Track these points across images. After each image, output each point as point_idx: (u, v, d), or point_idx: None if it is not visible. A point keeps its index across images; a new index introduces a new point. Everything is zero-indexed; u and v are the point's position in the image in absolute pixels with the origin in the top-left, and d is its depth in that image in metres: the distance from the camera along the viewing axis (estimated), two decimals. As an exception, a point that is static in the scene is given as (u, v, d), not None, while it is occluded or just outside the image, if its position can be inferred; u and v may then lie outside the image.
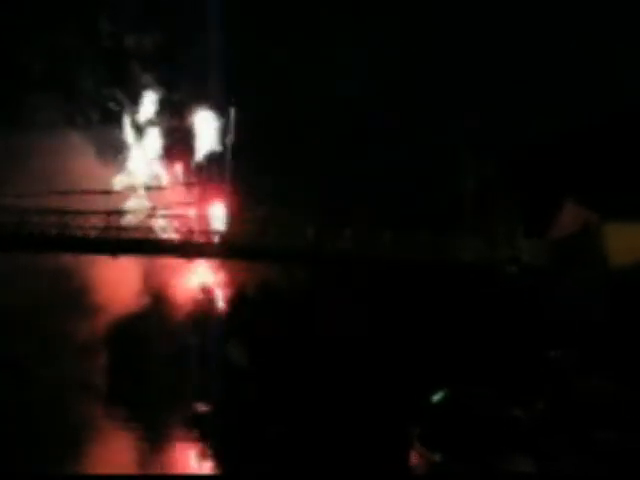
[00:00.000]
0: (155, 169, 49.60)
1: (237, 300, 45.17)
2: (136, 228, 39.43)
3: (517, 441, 18.79)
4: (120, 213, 40.22)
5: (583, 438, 19.42)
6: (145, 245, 39.10)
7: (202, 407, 35.74)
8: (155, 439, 30.21)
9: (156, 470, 25.71)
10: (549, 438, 19.80)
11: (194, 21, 51.68)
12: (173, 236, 39.76)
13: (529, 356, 29.25)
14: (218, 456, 27.47)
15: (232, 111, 49.70)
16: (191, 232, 40.24)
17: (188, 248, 39.50)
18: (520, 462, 17.66)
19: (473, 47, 45.11)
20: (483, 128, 41.83)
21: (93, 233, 38.35)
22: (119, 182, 46.60)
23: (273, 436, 27.78)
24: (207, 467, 26.16)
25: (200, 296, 46.07)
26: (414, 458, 19.67)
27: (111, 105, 50.33)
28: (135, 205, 43.76)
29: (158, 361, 43.31)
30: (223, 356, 40.54)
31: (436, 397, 21.18)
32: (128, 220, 39.88)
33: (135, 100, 51.19)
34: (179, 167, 49.64)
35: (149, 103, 51.41)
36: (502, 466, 17.51)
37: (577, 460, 18.44)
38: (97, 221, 38.55)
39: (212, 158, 49.07)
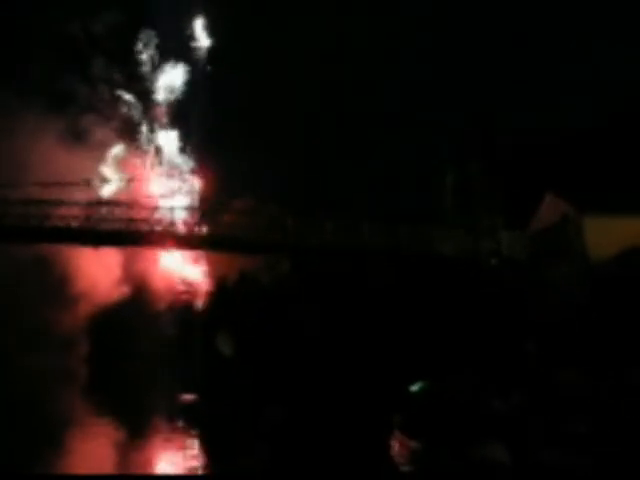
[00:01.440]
0: (135, 159, 50.36)
1: (218, 291, 46.00)
2: (117, 219, 40.06)
3: (492, 430, 19.93)
4: (101, 204, 40.78)
5: (557, 429, 20.61)
6: (126, 236, 39.79)
7: (188, 396, 36.33)
8: (140, 430, 30.83)
9: (138, 461, 26.08)
10: (524, 429, 20.96)
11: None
12: (154, 227, 40.26)
13: (508, 348, 30.40)
14: (204, 445, 28.15)
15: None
16: (172, 223, 40.79)
17: (169, 239, 40.15)
18: (494, 450, 18.81)
19: (461, 44, 46.22)
20: (467, 123, 43.00)
21: (74, 224, 38.97)
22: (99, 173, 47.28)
23: (261, 425, 28.64)
24: (191, 455, 26.80)
25: (181, 287, 46.87)
26: (395, 445, 20.85)
27: (66, 92, 50.52)
28: (115, 195, 44.41)
29: (141, 351, 44.16)
30: (209, 346, 41.20)
31: (415, 387, 22.32)
32: (109, 211, 40.44)
33: (94, 86, 51.53)
34: (159, 158, 50.49)
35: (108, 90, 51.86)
36: (476, 454, 18.66)
37: (550, 450, 19.63)
38: (78, 212, 39.17)
39: (193, 149, 49.93)
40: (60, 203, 39.02)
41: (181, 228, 40.19)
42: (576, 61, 45.30)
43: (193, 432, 30.22)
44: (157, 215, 40.27)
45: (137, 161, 50.40)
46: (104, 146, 50.62)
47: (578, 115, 43.03)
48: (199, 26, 53.43)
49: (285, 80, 46.74)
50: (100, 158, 49.72)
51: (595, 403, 21.95)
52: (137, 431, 30.37)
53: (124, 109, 52.06)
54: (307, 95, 46.41)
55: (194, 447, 27.99)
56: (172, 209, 41.23)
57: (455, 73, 46.40)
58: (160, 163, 50.27)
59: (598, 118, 41.90)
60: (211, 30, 52.97)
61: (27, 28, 50.12)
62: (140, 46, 52.47)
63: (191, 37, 53.41)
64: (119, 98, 51.97)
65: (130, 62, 52.40)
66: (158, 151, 51.36)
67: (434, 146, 44.01)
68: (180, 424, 32.12)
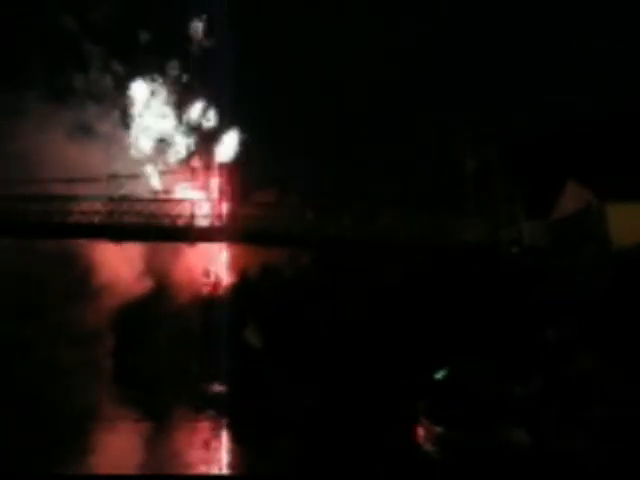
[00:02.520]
0: (153, 152, 51.56)
1: (241, 284, 47.24)
2: (139, 213, 41.49)
3: (514, 415, 21.34)
4: (123, 198, 42.10)
5: (576, 416, 21.96)
6: (148, 230, 41.25)
7: (217, 387, 37.56)
8: (169, 420, 32.27)
9: (169, 450, 27.23)
10: (544, 413, 22.32)
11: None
12: (176, 221, 41.50)
13: (529, 335, 31.56)
14: (234, 433, 29.54)
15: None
16: (193, 216, 41.99)
17: (191, 233, 41.48)
18: (515, 434, 20.23)
19: (477, 31, 47.12)
20: (485, 109, 43.94)
21: (96, 219, 40.46)
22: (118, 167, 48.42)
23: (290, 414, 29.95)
24: (222, 443, 28.17)
25: (204, 280, 48.17)
26: (420, 430, 22.31)
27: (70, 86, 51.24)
28: (137, 190, 45.63)
29: (167, 343, 45.72)
30: (235, 338, 42.38)
31: (439, 374, 23.74)
32: (131, 205, 41.80)
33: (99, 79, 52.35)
34: (178, 151, 51.70)
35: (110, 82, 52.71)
36: (498, 437, 20.08)
37: (568, 435, 20.99)
38: (100, 207, 40.61)
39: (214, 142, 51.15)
40: (82, 199, 40.63)
41: (203, 222, 41.67)
42: (595, 46, 46.18)
43: (223, 421, 31.71)
44: (179, 209, 41.80)
45: (157, 155, 51.64)
46: (118, 139, 51.75)
47: (598, 101, 43.89)
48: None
49: (303, 72, 47.83)
50: (116, 152, 50.88)
51: (613, 390, 23.14)
52: (166, 421, 31.60)
53: (134, 101, 53.06)
54: (325, 87, 47.56)
55: (223, 436, 29.42)
56: (193, 202, 42.65)
57: (475, 62, 47.40)
58: (179, 156, 51.52)
59: (619, 104, 42.63)
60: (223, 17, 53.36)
61: (24, 22, 51.17)
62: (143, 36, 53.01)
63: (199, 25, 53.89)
64: (129, 90, 52.92)
65: (135, 54, 53.12)
66: (174, 144, 52.52)
67: (453, 135, 44.94)
68: (210, 414, 33.44)
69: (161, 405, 35.70)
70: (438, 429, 21.15)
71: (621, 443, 19.93)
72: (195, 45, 53.29)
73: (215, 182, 47.90)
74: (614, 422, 21.04)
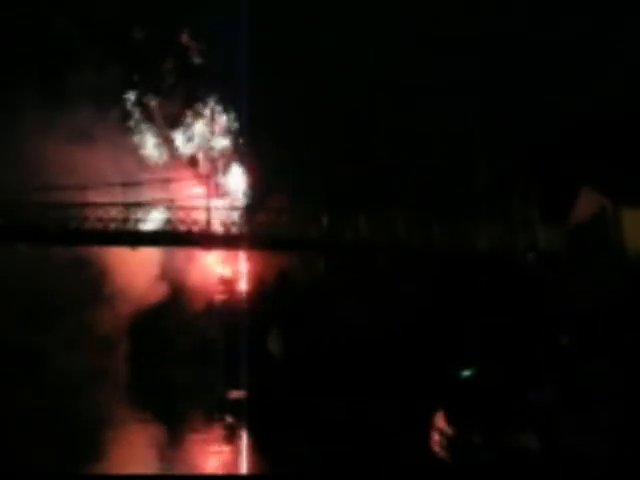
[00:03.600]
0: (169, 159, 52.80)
1: (257, 290, 48.36)
2: (154, 220, 42.84)
3: (525, 421, 22.31)
4: (138, 205, 43.33)
5: (589, 422, 22.94)
6: (164, 237, 42.55)
7: (236, 393, 38.55)
8: (186, 425, 33.33)
9: (186, 454, 28.09)
10: (557, 421, 23.31)
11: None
12: (192, 227, 42.67)
13: (543, 342, 32.48)
14: (253, 438, 30.59)
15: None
16: (208, 223, 43.12)
17: (206, 239, 42.67)
18: (525, 439, 21.19)
19: (477, 31, 47.95)
20: (500, 113, 44.74)
21: (112, 226, 41.76)
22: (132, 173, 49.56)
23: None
24: (242, 444, 29.18)
25: (220, 286, 49.31)
26: (433, 434, 23.28)
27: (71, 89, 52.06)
28: (151, 196, 46.76)
29: (184, 350, 46.88)
30: (254, 344, 43.38)
31: (455, 377, 24.75)
32: (146, 212, 43.08)
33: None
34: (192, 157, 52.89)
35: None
36: (508, 441, 21.05)
37: (580, 439, 21.97)
38: (116, 213, 41.89)
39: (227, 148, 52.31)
40: (98, 205, 41.89)
41: (218, 228, 42.84)
42: (609, 46, 46.93)
43: (242, 426, 32.76)
44: (194, 215, 42.97)
45: (172, 161, 52.84)
46: (128, 144, 52.82)
47: (598, 101, 44.51)
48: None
49: (315, 77, 48.68)
50: (127, 157, 51.92)
51: (627, 396, 24.05)
52: (181, 432, 32.19)
53: (141, 105, 54.03)
54: (338, 90, 48.41)
55: (242, 440, 30.46)
56: (209, 209, 43.81)
57: (476, 62, 48.30)
58: (190, 161, 52.63)
59: (620, 104, 43.11)
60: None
61: (20, 26, 52.13)
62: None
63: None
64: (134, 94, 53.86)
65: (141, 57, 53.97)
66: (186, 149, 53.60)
67: (464, 134, 45.76)
68: (228, 422, 34.38)
69: (177, 414, 36.47)
70: (449, 431, 22.09)
71: (625, 444, 20.84)
72: (200, 48, 54.22)
73: (228, 188, 49.14)
74: (626, 426, 21.94)
